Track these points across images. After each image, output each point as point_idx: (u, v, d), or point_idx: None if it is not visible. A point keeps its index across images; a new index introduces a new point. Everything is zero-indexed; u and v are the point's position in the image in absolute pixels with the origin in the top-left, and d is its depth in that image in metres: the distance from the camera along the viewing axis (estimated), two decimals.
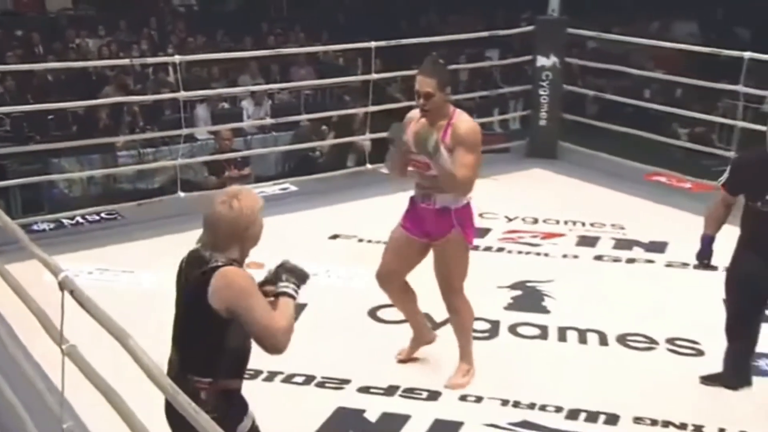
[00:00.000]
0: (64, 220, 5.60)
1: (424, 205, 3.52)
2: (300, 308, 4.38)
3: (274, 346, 2.25)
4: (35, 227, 5.42)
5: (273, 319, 2.25)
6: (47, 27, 11.59)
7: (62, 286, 2.31)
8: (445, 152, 3.31)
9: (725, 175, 3.56)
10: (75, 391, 2.49)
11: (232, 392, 2.37)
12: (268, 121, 9.20)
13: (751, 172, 3.44)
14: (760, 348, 3.67)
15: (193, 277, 2.29)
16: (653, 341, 4.11)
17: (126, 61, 9.20)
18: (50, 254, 2.62)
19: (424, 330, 3.87)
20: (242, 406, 2.39)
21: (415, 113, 3.52)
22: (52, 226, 5.52)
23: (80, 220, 5.62)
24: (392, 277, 3.67)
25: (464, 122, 3.42)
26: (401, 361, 3.86)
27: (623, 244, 5.30)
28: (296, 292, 2.36)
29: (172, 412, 2.14)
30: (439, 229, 3.50)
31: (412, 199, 3.61)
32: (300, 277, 2.39)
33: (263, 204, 2.38)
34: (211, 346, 2.29)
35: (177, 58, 6.22)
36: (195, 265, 2.31)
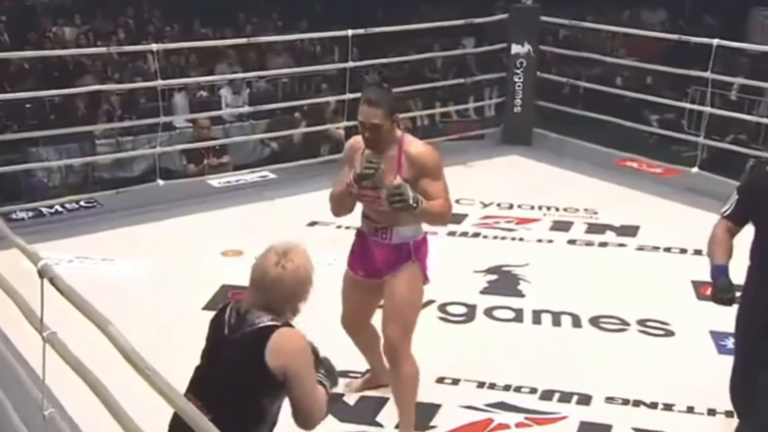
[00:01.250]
0: (43, 209, 5.60)
1: (379, 239, 3.13)
2: None
3: (310, 419, 2.19)
4: (14, 216, 5.42)
5: (319, 394, 2.22)
6: (23, 15, 11.48)
7: (42, 273, 2.33)
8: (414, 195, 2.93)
9: (729, 206, 3.01)
10: (56, 378, 2.51)
11: None
12: (246, 109, 9.21)
13: (761, 199, 2.92)
14: (725, 327, 3.69)
15: (245, 335, 2.16)
16: (625, 323, 4.19)
17: (103, 50, 9.16)
18: (29, 243, 2.62)
19: (381, 374, 3.47)
20: None
21: (357, 141, 3.11)
22: (30, 215, 5.52)
23: (59, 208, 5.62)
24: (354, 325, 3.33)
25: (417, 148, 3.01)
26: (350, 391, 3.56)
27: (596, 228, 5.38)
28: (327, 389, 2.31)
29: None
30: (394, 263, 3.11)
31: (359, 233, 3.24)
32: (333, 380, 2.36)
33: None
34: (256, 407, 2.18)
35: (155, 46, 6.23)
36: (245, 323, 2.18)
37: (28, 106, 8.77)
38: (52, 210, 5.60)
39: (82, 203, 5.69)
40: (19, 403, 2.95)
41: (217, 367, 2.21)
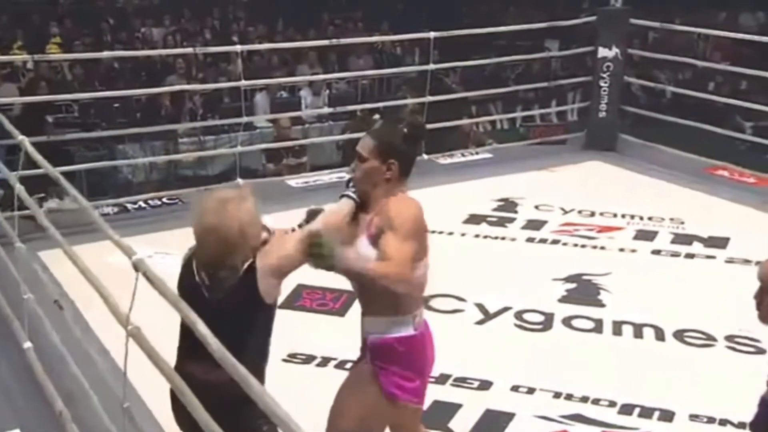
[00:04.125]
0: (127, 205, 5.76)
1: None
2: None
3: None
4: (100, 211, 5.58)
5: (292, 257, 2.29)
6: (115, 16, 11.88)
7: (136, 267, 2.36)
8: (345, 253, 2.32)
9: None
10: (137, 372, 2.55)
11: None
12: (326, 110, 9.26)
13: None
14: None
15: (231, 290, 2.25)
16: (712, 338, 4.04)
17: (189, 50, 9.36)
18: None
19: None
20: None
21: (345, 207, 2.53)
22: (115, 210, 5.68)
23: (143, 204, 5.77)
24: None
25: (397, 203, 2.43)
26: None
27: (682, 238, 5.21)
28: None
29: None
30: (360, 357, 2.59)
31: None
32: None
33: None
34: (257, 341, 2.31)
35: (239, 47, 6.32)
36: (222, 283, 2.27)
37: (116, 105, 9.04)
38: (136, 206, 5.75)
39: (164, 200, 5.83)
40: (101, 394, 3.01)
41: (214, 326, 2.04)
